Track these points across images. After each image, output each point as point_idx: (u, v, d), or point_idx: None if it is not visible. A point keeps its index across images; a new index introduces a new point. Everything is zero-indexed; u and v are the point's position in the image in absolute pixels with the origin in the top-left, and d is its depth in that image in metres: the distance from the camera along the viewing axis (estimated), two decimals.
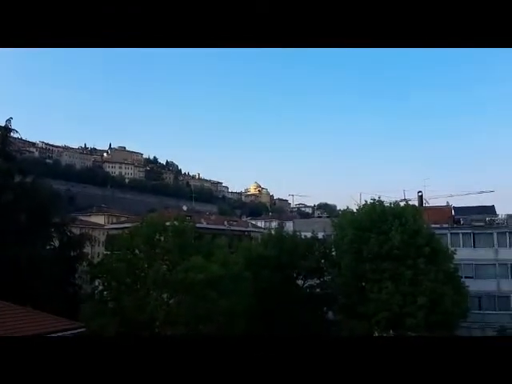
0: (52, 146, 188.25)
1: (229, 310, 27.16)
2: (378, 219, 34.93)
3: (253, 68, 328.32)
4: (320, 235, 41.39)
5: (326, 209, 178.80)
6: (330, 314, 38.43)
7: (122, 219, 79.79)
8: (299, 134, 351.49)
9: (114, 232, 52.29)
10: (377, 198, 37.52)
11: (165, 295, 28.70)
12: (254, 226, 77.97)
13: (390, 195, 46.32)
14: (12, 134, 37.92)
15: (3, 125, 36.08)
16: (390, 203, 38.01)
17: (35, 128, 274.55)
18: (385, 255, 33.35)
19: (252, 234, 63.10)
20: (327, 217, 74.18)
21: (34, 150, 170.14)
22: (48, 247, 35.56)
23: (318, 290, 38.87)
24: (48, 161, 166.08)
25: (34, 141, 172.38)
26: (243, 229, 67.02)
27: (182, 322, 26.38)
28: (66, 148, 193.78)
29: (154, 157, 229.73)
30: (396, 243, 33.10)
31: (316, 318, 35.97)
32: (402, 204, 39.32)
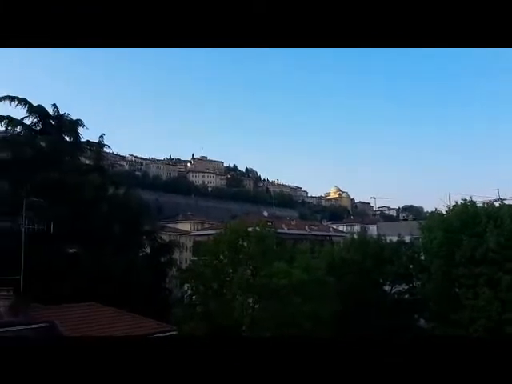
0: (140, 158, 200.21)
1: (313, 315, 26.96)
2: (471, 220, 32.77)
3: (328, 72, 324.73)
4: (407, 239, 39.71)
5: (411, 211, 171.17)
6: (422, 322, 36.61)
7: (207, 226, 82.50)
8: (377, 134, 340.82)
9: (200, 238, 54.27)
10: (468, 199, 35.22)
11: (250, 300, 29.18)
12: (336, 230, 76.74)
13: (482, 194, 43.14)
14: (104, 149, 41.12)
15: (97, 141, 39.10)
16: (484, 203, 35.49)
17: (125, 142, 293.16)
18: (479, 259, 31.17)
19: (334, 238, 62.14)
20: (413, 219, 70.94)
21: (125, 163, 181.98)
22: (140, 254, 37.71)
23: (406, 295, 37.24)
24: (137, 173, 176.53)
25: (124, 154, 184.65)
26: (324, 233, 66.25)
27: (267, 326, 26.64)
28: (153, 160, 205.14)
29: (234, 165, 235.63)
30: (492, 246, 30.81)
31: (407, 325, 34.46)
32: (497, 204, 36.53)
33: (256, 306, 29.11)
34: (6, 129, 35.05)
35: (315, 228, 68.27)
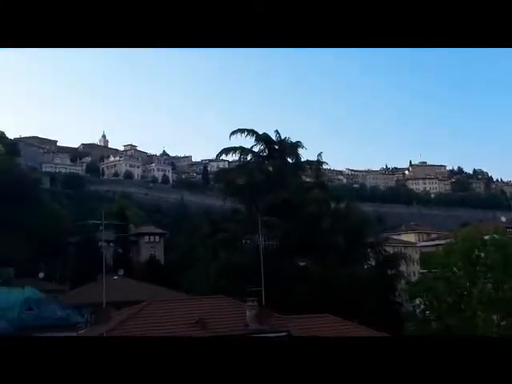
0: (356, 171, 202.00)
1: None
2: None
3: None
4: None
5: None
6: None
7: (433, 236, 77.34)
8: None
9: (427, 249, 51.09)
10: None
11: (494, 316, 25.87)
12: None
13: None
14: (323, 165, 42.99)
15: (315, 159, 41.17)
16: None
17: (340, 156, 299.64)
18: None
19: None
20: None
21: (342, 177, 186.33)
22: (365, 266, 37.66)
23: None
24: (355, 185, 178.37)
25: (340, 169, 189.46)
26: None
27: None
28: (368, 171, 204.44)
29: (459, 167, 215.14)
30: None
31: None
32: None
33: (502, 324, 25.59)
34: (240, 158, 40.16)
35: None
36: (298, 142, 39.86)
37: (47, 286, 44.21)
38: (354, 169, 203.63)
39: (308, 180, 42.13)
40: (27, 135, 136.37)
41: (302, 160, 40.04)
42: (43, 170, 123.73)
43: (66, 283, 52.88)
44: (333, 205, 38.72)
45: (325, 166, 45.17)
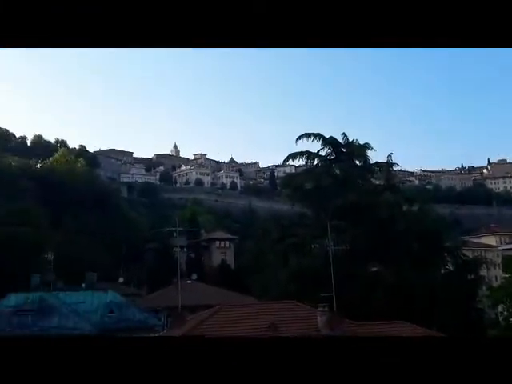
0: (429, 171, 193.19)
1: None
2: None
3: None
4: None
5: None
6: None
7: None
8: None
9: (510, 253, 47.66)
10: None
11: None
12: None
13: None
14: (393, 167, 41.72)
15: (385, 160, 40.03)
16: None
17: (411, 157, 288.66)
18: None
19: None
20: None
21: (413, 178, 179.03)
22: (442, 271, 35.92)
23: None
24: (428, 187, 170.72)
25: (412, 170, 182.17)
26: None
27: None
28: (443, 171, 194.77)
29: None
30: None
31: None
32: None
33: None
34: (306, 162, 40.02)
35: None
36: (366, 143, 39.02)
37: (126, 290, 46.68)
38: (427, 169, 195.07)
39: (378, 182, 41.05)
40: (105, 148, 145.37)
41: (371, 162, 39.11)
42: (121, 180, 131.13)
43: (143, 287, 55.58)
44: (405, 207, 37.36)
45: (395, 168, 43.83)
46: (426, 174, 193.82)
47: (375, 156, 39.25)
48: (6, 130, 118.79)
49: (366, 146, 38.79)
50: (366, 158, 38.73)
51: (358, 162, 39.33)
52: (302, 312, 22.40)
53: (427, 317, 26.05)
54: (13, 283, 34.42)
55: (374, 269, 34.32)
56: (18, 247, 42.03)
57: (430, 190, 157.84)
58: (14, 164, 78.88)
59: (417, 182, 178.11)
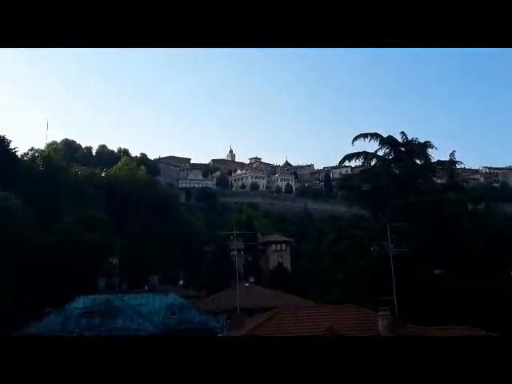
0: (495, 168, 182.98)
1: None
2: None
3: None
4: None
5: None
6: None
7: None
8: None
9: None
10: None
11: None
12: None
13: None
14: (456, 165, 39.91)
15: (448, 159, 38.42)
16: None
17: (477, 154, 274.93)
18: None
19: None
20: None
21: (479, 176, 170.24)
22: None
23: None
24: (495, 184, 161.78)
25: (476, 167, 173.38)
26: None
27: None
28: (510, 168, 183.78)
29: None
30: None
31: None
32: None
33: None
34: (363, 163, 39.24)
35: None
36: (427, 142, 37.68)
37: (186, 292, 47.86)
38: (493, 166, 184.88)
39: (440, 181, 39.48)
40: (165, 155, 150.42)
41: (433, 161, 37.69)
42: (180, 185, 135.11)
43: (202, 289, 56.73)
44: (470, 207, 35.64)
45: (458, 166, 41.90)
46: (491, 171, 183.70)
47: (437, 154, 37.75)
48: (73, 141, 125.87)
49: (427, 145, 37.48)
50: (426, 157, 37.41)
51: (418, 161, 38.09)
52: (362, 315, 21.89)
53: (495, 322, 24.61)
54: (82, 286, 36.29)
55: (437, 271, 32.97)
56: (88, 252, 44.33)
57: (496, 188, 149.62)
58: (80, 173, 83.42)
59: (482, 179, 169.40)
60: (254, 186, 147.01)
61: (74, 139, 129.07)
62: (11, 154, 71.53)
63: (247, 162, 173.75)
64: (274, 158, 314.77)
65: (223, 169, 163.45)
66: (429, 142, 37.51)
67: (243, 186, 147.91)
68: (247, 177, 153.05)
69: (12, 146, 72.89)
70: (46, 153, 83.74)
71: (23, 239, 41.25)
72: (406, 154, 37.52)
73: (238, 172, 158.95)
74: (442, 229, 31.16)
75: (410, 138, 37.59)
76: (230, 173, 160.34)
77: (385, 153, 37.77)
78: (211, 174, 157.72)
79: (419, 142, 37.49)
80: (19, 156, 76.67)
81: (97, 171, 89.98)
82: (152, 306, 35.04)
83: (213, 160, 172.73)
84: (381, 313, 20.54)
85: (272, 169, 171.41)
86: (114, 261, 49.71)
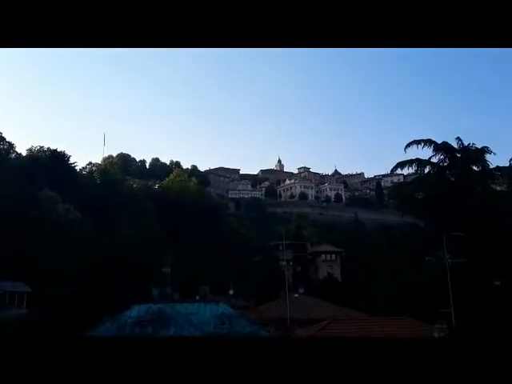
0: None
1: None
2: None
3: None
4: None
5: None
6: None
7: None
8: None
9: None
10: None
11: None
12: None
13: None
14: None
15: (507, 164, 36.45)
16: None
17: None
18: None
19: None
20: None
21: None
22: None
23: None
24: None
25: None
26: None
27: None
28: None
29: None
30: None
31: None
32: None
33: None
34: (416, 170, 37.98)
35: None
36: (484, 147, 35.96)
37: (235, 302, 48.08)
38: None
39: (499, 188, 37.54)
40: (214, 167, 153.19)
41: (491, 167, 35.93)
42: (229, 196, 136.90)
43: (252, 300, 56.79)
44: None
45: None
46: None
47: (495, 160, 36.02)
48: (128, 155, 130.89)
49: (485, 150, 35.80)
50: (484, 163, 35.73)
51: (475, 168, 36.44)
52: (418, 329, 21.09)
53: None
54: (137, 295, 37.42)
55: (497, 282, 31.24)
56: (143, 261, 45.72)
57: None
58: (135, 186, 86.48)
59: None
60: (303, 196, 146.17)
61: (129, 153, 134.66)
62: (71, 169, 75.56)
63: (296, 171, 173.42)
64: (322, 167, 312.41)
65: (272, 179, 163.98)
66: (487, 147, 35.84)
67: (292, 196, 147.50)
68: (296, 186, 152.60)
69: (72, 160, 76.84)
70: (103, 166, 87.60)
71: (82, 251, 43.25)
72: (462, 161, 36.00)
73: (287, 182, 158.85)
74: (503, 237, 29.55)
75: (466, 144, 36.09)
76: (278, 183, 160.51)
77: (439, 159, 36.40)
78: (260, 184, 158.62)
79: (476, 148, 35.89)
80: (78, 170, 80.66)
81: (150, 183, 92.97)
82: (203, 316, 35.46)
83: (261, 170, 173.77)
84: (438, 325, 19.75)
85: (321, 178, 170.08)
86: (168, 270, 50.89)
